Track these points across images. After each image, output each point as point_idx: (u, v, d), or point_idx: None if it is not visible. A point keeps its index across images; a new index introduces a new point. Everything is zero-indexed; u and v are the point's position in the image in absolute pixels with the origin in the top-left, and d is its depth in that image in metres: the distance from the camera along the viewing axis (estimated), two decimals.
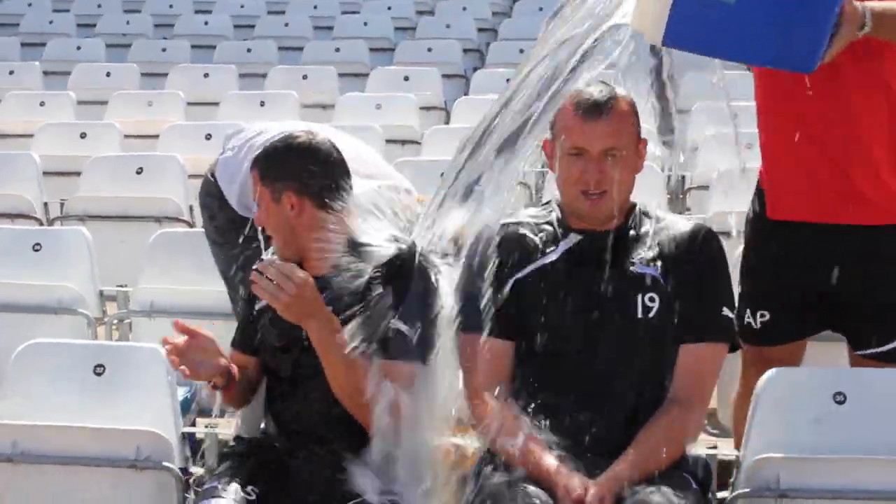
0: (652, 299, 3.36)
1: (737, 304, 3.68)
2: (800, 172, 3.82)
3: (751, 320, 3.97)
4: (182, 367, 3.41)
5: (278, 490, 3.42)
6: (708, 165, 7.57)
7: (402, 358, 3.41)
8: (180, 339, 3.44)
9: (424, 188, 6.64)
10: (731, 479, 3.70)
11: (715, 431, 4.71)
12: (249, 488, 3.38)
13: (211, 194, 4.81)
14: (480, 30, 12.49)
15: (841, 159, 3.75)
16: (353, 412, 3.41)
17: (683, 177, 8.39)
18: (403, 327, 3.43)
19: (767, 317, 3.95)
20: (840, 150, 3.74)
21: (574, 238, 3.44)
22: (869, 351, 3.92)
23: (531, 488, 3.18)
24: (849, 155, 3.74)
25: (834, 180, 3.77)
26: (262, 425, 3.70)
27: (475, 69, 11.15)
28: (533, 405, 3.36)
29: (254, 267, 3.38)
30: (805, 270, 3.87)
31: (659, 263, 3.39)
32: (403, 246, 3.49)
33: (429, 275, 3.49)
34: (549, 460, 3.23)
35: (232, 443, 3.72)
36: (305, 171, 3.51)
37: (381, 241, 3.52)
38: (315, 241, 3.48)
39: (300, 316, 3.36)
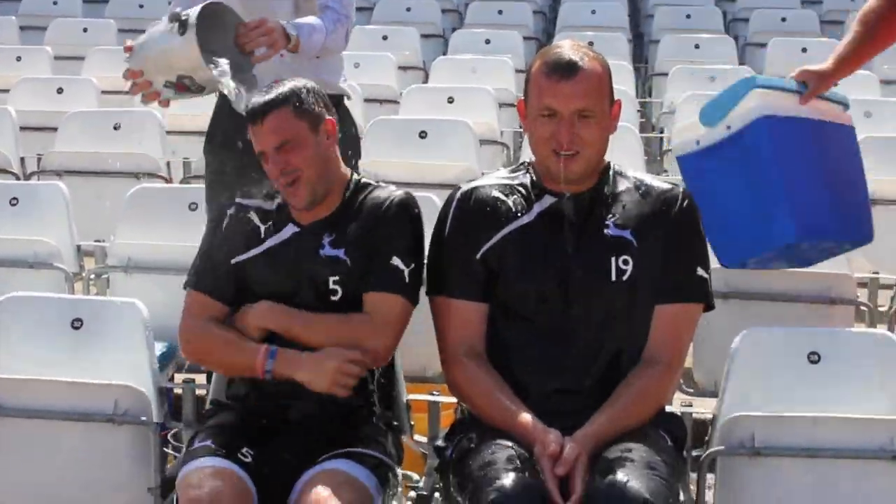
0: (626, 262, 3.36)
1: None
2: None
3: None
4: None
5: (270, 453, 3.41)
6: (686, 127, 7.58)
7: (394, 291, 3.44)
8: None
9: (403, 146, 6.69)
10: (706, 437, 3.74)
11: (690, 390, 4.73)
12: (245, 450, 3.38)
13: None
14: None
15: None
16: None
17: (661, 139, 8.42)
18: (401, 264, 3.45)
19: None
20: None
21: (548, 200, 3.42)
22: None
23: (507, 443, 3.20)
24: None
25: None
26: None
27: (454, 29, 11.13)
28: (507, 367, 3.38)
29: None
30: None
31: (633, 225, 3.39)
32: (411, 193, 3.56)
33: (421, 222, 3.53)
34: (525, 417, 3.25)
35: (210, 406, 3.71)
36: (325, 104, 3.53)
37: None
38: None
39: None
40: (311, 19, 4.21)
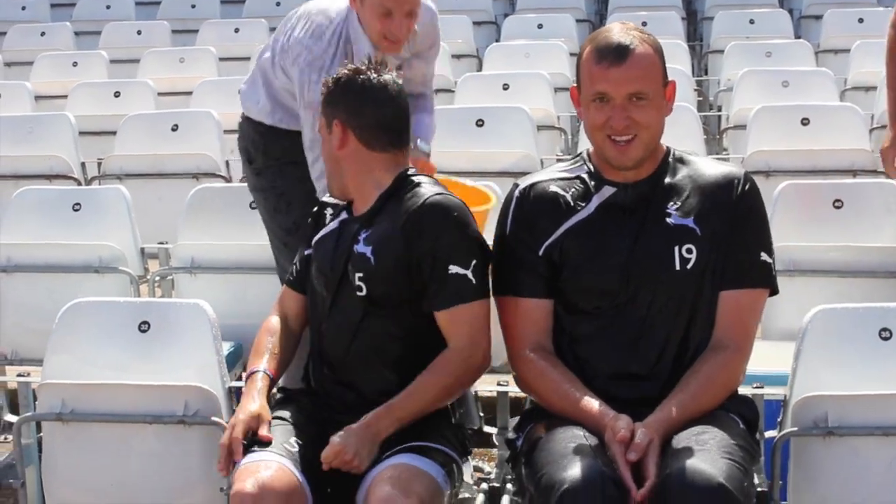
0: (689, 250, 3.32)
1: None
2: None
3: None
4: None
5: (321, 441, 3.42)
6: (743, 104, 7.52)
7: (464, 301, 3.40)
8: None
9: (460, 135, 6.68)
10: (779, 419, 3.70)
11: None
12: (293, 440, 3.39)
13: (245, 135, 4.83)
14: None
15: None
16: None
17: (719, 117, 8.36)
18: (460, 269, 3.41)
19: None
20: None
21: (608, 191, 3.39)
22: None
23: (578, 431, 3.17)
24: None
25: None
26: (303, 375, 3.70)
27: (506, 15, 11.10)
28: (575, 359, 3.36)
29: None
30: None
31: (696, 213, 3.35)
32: (447, 194, 3.50)
33: (465, 219, 3.46)
34: (595, 405, 3.23)
35: (277, 394, 3.72)
36: (358, 107, 3.49)
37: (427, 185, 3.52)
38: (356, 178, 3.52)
39: (371, 448, 3.34)
40: (425, 121, 4.39)
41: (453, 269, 3.40)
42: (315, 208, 3.71)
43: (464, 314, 3.41)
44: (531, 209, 3.43)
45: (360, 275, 3.44)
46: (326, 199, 3.68)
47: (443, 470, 3.36)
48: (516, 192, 3.47)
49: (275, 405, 3.59)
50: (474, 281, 3.41)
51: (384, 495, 3.19)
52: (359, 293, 3.45)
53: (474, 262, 3.41)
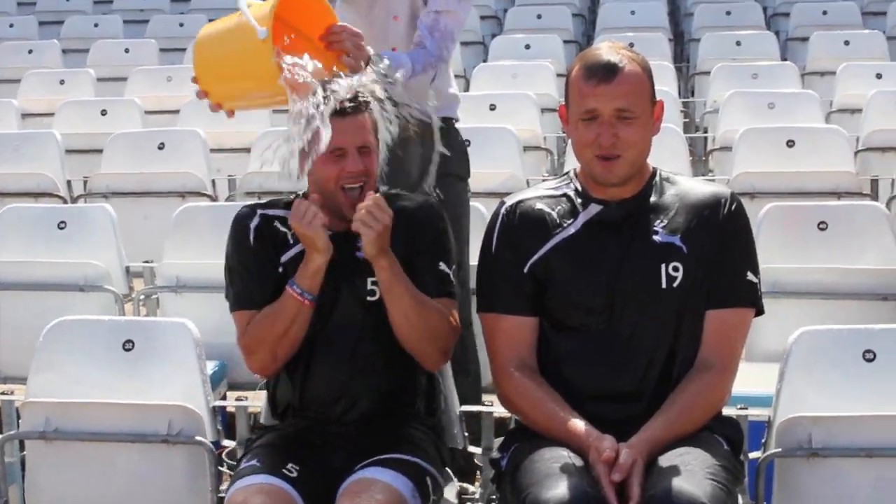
0: (675, 269, 3.32)
1: None
2: None
3: None
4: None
5: (315, 465, 3.42)
6: (729, 126, 7.55)
7: (449, 296, 3.52)
8: None
9: None
10: (763, 440, 3.70)
11: None
12: (290, 465, 3.38)
13: None
14: None
15: None
16: (421, 351, 3.48)
17: (706, 138, 8.38)
18: (446, 268, 3.52)
19: None
20: None
21: (594, 209, 3.40)
22: None
23: (562, 451, 3.17)
24: None
25: None
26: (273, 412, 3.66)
27: (493, 35, 11.12)
28: (560, 377, 3.35)
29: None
30: None
31: (682, 231, 3.35)
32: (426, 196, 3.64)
33: (446, 220, 3.59)
34: (579, 424, 3.22)
35: (255, 431, 3.70)
36: None
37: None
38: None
39: (381, 248, 3.37)
40: (401, 56, 4.21)
41: (442, 265, 3.52)
42: (254, 223, 3.58)
43: (447, 306, 3.50)
44: (517, 226, 3.43)
45: (373, 279, 3.46)
46: (268, 212, 3.59)
47: (412, 483, 3.34)
48: (502, 210, 3.47)
49: (257, 438, 3.58)
50: (454, 282, 3.54)
51: None
52: (369, 298, 3.47)
53: (454, 267, 3.56)
